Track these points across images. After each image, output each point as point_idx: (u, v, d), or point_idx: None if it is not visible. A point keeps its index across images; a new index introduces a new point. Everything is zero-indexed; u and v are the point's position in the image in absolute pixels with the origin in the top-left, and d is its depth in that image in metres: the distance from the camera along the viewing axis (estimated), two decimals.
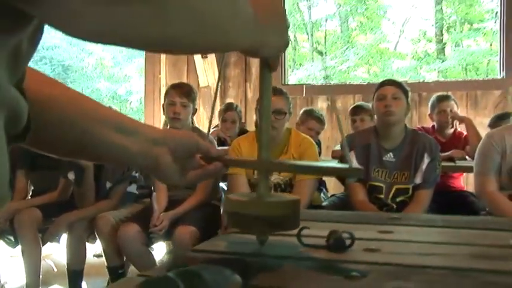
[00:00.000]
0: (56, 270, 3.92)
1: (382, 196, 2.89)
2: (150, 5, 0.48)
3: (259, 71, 0.89)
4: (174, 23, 0.52)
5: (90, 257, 3.93)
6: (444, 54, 12.86)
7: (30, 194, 3.69)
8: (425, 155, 2.83)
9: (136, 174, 3.46)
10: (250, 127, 4.64)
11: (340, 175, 0.85)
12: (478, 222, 1.31)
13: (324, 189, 4.12)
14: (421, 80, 8.44)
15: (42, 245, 3.24)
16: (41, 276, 3.25)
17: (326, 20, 13.44)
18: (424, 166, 2.83)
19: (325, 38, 13.59)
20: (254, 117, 3.35)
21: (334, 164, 1.01)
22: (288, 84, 5.68)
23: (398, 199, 2.88)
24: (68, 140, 0.84)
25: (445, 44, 13.17)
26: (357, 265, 0.85)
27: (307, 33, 13.45)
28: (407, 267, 0.85)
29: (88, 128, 0.82)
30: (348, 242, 0.97)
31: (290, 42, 0.86)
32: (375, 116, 3.13)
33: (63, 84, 0.82)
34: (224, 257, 0.93)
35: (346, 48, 12.77)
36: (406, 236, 1.11)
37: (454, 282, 0.77)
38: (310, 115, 4.21)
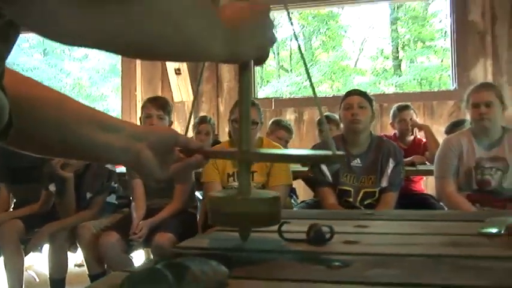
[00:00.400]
0: (38, 280, 3.82)
1: (351, 199, 2.89)
2: (124, 9, 0.45)
3: (239, 69, 0.86)
4: (147, 28, 0.50)
5: (71, 267, 3.83)
6: (400, 70, 13.09)
7: (13, 206, 3.59)
8: (390, 160, 2.84)
9: (116, 185, 3.39)
10: (223, 138, 4.62)
11: (324, 162, 0.81)
12: (447, 215, 1.31)
13: (294, 196, 4.10)
14: (382, 92, 8.53)
15: (25, 256, 3.14)
16: (23, 287, 3.15)
17: (291, 40, 13.55)
18: (389, 170, 2.84)
19: (290, 56, 13.68)
20: (226, 129, 3.32)
21: (316, 152, 0.96)
22: (257, 98, 5.66)
23: (366, 202, 2.88)
24: (51, 139, 0.80)
25: (400, 60, 13.42)
26: (338, 256, 0.83)
27: (273, 52, 13.54)
28: (387, 256, 0.82)
29: (71, 127, 0.79)
30: (327, 235, 0.94)
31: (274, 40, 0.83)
32: (341, 125, 3.15)
33: (45, 85, 0.78)
34: (208, 252, 0.89)
35: (310, 66, 12.88)
36: (382, 229, 1.09)
37: (432, 267, 0.75)
38: (279, 125, 4.22)
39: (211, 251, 0.92)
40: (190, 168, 0.91)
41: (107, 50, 0.53)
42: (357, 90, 3.01)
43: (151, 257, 3.14)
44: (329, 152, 0.80)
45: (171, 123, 3.29)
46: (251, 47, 0.78)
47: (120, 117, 6.49)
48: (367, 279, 0.69)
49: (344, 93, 3.10)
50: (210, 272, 0.64)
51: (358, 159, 2.90)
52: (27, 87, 0.72)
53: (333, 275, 0.72)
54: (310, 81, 0.86)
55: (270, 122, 4.35)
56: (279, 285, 0.68)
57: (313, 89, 0.87)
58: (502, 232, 0.96)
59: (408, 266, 0.75)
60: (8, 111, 0.53)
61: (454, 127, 3.94)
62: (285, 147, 4.03)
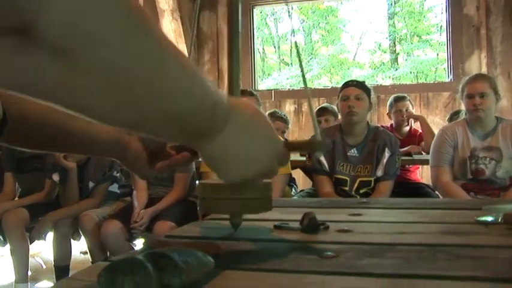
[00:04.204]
0: (44, 267, 3.81)
1: (346, 188, 2.85)
2: (61, 60, 0.37)
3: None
4: (88, 86, 0.41)
5: (77, 254, 3.81)
6: (397, 63, 13.00)
7: (18, 195, 3.56)
8: (386, 150, 2.80)
9: (118, 174, 3.36)
10: None
11: (306, 148, 0.74)
12: (443, 203, 1.25)
13: (294, 185, 4.07)
14: (379, 84, 8.46)
15: (30, 243, 3.12)
16: (29, 273, 3.15)
17: (291, 34, 13.44)
18: (385, 160, 2.80)
19: (290, 50, 13.58)
20: None
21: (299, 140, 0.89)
22: (258, 90, 5.60)
23: (361, 191, 2.84)
24: (41, 132, 0.75)
25: (398, 54, 13.33)
26: (331, 245, 0.77)
27: (274, 46, 13.45)
28: (381, 245, 0.77)
29: (59, 120, 0.73)
30: (321, 224, 0.89)
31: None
32: (339, 115, 3.10)
33: None
34: (197, 241, 0.83)
35: (310, 59, 12.79)
36: (377, 218, 1.03)
37: (429, 256, 0.69)
38: (274, 116, 4.18)
39: (200, 240, 0.86)
40: (177, 166, 0.84)
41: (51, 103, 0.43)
42: (354, 81, 2.95)
43: None
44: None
45: None
46: (244, 163, 0.64)
47: None
48: (360, 269, 0.64)
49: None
50: (195, 262, 0.59)
51: (354, 149, 2.85)
52: None
53: (325, 265, 0.67)
54: (303, 76, 0.80)
55: (266, 114, 4.30)
56: (267, 276, 0.62)
57: (305, 80, 0.81)
58: (499, 220, 0.90)
59: (403, 256, 0.70)
60: (1, 111, 0.48)
61: (455, 116, 3.91)
62: (282, 137, 3.98)
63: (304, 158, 3.23)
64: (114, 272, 0.54)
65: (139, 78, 0.43)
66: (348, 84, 2.90)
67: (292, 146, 0.75)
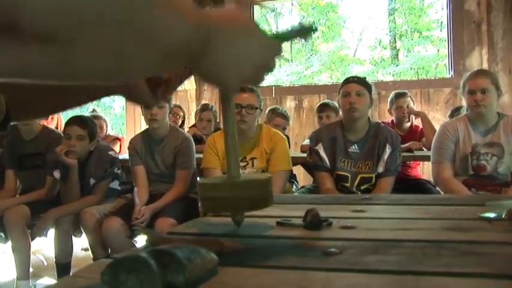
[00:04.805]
0: (45, 263, 3.81)
1: (348, 184, 2.84)
2: (51, 46, 0.37)
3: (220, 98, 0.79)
4: (84, 63, 0.41)
5: (78, 251, 3.81)
6: (398, 60, 12.99)
7: (19, 192, 3.56)
8: (387, 146, 2.79)
9: (118, 171, 3.35)
10: None
11: (296, 35, 0.71)
12: (446, 199, 1.24)
13: (295, 182, 4.06)
14: (380, 80, 8.44)
15: (31, 240, 3.11)
16: (31, 270, 3.14)
17: None
18: (386, 156, 2.79)
19: (290, 46, 13.56)
20: None
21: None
22: (258, 86, 5.59)
23: (362, 187, 2.84)
24: (43, 102, 0.74)
25: (398, 50, 13.31)
26: (334, 242, 0.77)
27: None
28: (385, 242, 0.76)
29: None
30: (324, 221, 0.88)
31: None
32: (340, 112, 3.09)
33: None
34: (199, 238, 0.83)
35: (310, 55, 12.78)
36: (380, 214, 1.03)
37: (433, 253, 0.69)
38: (275, 112, 4.19)
39: (202, 237, 0.86)
40: (174, 87, 0.84)
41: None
42: (355, 77, 2.93)
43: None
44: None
45: (171, 109, 3.29)
46: (240, 65, 0.62)
47: (125, 108, 6.43)
48: (364, 266, 0.63)
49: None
50: (198, 259, 0.58)
51: (355, 145, 2.84)
52: None
53: (328, 262, 0.66)
54: None
55: (267, 110, 4.30)
56: (271, 273, 0.62)
57: None
58: (503, 216, 0.90)
59: (407, 253, 0.69)
60: (4, 106, 0.48)
61: (456, 112, 3.90)
62: (283, 133, 3.98)
63: (305, 155, 3.23)
64: (117, 269, 0.54)
65: (129, 30, 0.44)
66: (349, 81, 2.89)
67: (281, 36, 0.73)
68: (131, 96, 0.81)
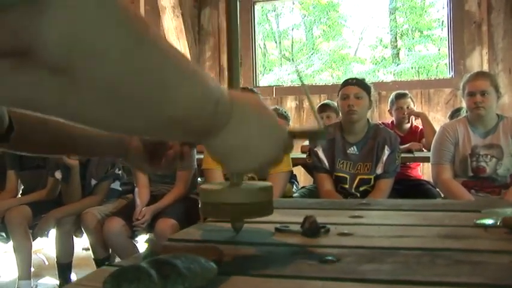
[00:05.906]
0: (47, 263, 3.83)
1: (346, 186, 2.86)
2: (61, 78, 0.38)
3: None
4: (89, 101, 0.41)
5: (79, 251, 3.83)
6: (399, 59, 12.96)
7: (21, 192, 3.58)
8: (386, 148, 2.80)
9: (120, 172, 3.37)
10: None
11: (309, 136, 0.74)
12: (443, 205, 1.26)
13: (296, 182, 4.07)
14: (380, 80, 8.45)
15: (33, 240, 3.14)
16: (32, 269, 3.16)
17: (292, 29, 13.40)
18: (384, 158, 2.80)
19: (292, 45, 13.55)
20: None
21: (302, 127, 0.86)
22: (259, 86, 5.60)
23: (361, 188, 2.85)
24: (43, 137, 0.76)
25: (399, 49, 13.29)
26: (331, 249, 0.78)
27: (276, 42, 13.41)
28: (381, 250, 0.78)
29: (62, 125, 0.74)
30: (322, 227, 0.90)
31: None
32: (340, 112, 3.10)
33: None
34: (200, 245, 0.84)
35: (311, 54, 12.77)
36: (377, 220, 1.04)
37: (428, 262, 0.70)
38: (276, 113, 4.17)
39: (202, 244, 0.87)
40: (177, 161, 0.85)
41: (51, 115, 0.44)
42: (354, 79, 2.93)
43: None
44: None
45: None
46: (246, 158, 0.64)
47: None
48: (360, 275, 0.65)
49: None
50: (198, 269, 0.60)
51: (354, 146, 2.86)
52: None
53: (326, 270, 0.68)
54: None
55: None
56: (269, 282, 0.63)
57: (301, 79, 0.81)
58: (498, 224, 0.92)
59: (402, 261, 0.71)
60: (7, 116, 0.49)
61: (455, 113, 3.91)
62: None
63: (304, 156, 3.24)
64: (119, 279, 0.56)
65: (140, 89, 0.44)
66: (347, 83, 2.89)
67: (296, 134, 0.75)
68: (128, 161, 0.82)
